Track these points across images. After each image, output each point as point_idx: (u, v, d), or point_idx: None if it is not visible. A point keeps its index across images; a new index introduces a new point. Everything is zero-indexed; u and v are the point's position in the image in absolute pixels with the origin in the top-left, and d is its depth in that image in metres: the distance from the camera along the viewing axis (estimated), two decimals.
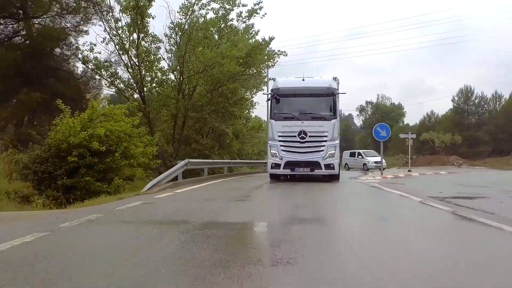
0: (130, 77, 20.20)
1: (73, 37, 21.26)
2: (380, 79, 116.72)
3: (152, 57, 20.39)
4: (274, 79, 14.13)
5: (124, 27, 19.40)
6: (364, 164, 30.64)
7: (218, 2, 20.54)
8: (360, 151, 34.33)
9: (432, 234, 4.69)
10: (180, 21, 20.46)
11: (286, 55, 23.88)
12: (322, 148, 12.44)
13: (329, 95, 12.82)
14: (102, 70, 20.06)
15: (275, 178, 13.35)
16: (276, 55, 23.43)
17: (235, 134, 25.54)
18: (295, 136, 12.42)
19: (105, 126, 12.08)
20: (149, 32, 19.62)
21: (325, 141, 12.48)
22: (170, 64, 22.07)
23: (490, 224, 4.78)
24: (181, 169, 12.55)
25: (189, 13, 20.15)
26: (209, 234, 4.17)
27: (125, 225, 4.88)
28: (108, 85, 21.13)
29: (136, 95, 20.84)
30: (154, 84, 21.20)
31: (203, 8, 20.34)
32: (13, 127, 20.97)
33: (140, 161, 12.95)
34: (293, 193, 9.55)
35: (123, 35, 19.52)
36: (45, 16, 20.74)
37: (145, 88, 20.39)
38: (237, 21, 21.76)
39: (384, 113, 71.84)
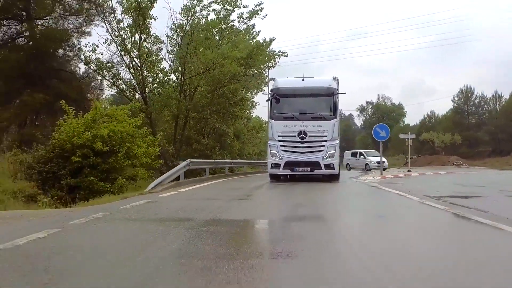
0: (132, 78, 20.44)
1: (76, 38, 21.52)
2: (380, 79, 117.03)
3: (154, 58, 20.62)
4: (274, 79, 14.17)
5: (126, 28, 19.62)
6: (366, 164, 30.65)
7: (219, 3, 20.78)
8: (362, 151, 34.31)
9: (427, 231, 4.88)
10: (181, 22, 20.72)
11: (287, 56, 24.07)
12: (322, 148, 12.50)
13: (329, 95, 12.87)
14: (104, 71, 20.29)
15: (275, 178, 13.40)
16: (276, 56, 23.65)
17: (236, 135, 25.73)
18: (295, 136, 12.49)
19: (108, 127, 12.23)
20: (151, 33, 19.86)
21: (325, 141, 12.54)
22: (172, 64, 22.36)
23: (485, 223, 4.93)
24: (183, 169, 12.74)
25: (190, 14, 20.38)
26: (212, 230, 4.36)
27: (132, 222, 5.08)
28: (110, 85, 21.35)
29: (137, 96, 21.09)
30: (155, 85, 21.39)
31: (205, 9, 20.62)
32: (16, 128, 21.19)
33: (143, 161, 13.10)
34: (293, 193, 9.73)
35: (125, 36, 19.76)
36: (48, 18, 20.96)
37: (146, 89, 20.62)
38: (238, 22, 22.03)
39: (385, 113, 72.04)
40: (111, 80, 20.65)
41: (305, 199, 8.22)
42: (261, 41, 22.72)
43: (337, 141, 13.00)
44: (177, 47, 21.68)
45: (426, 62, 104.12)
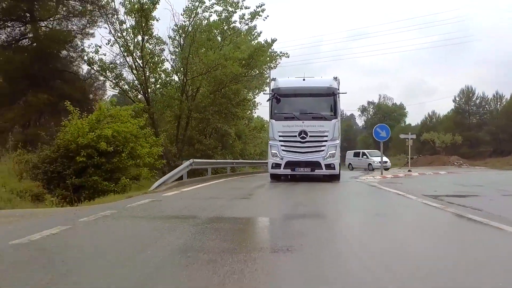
0: (135, 79, 20.70)
1: (79, 39, 21.78)
2: (382, 79, 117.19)
3: (156, 59, 20.85)
4: (274, 79, 14.16)
5: (129, 29, 19.87)
6: (369, 164, 30.44)
7: (221, 4, 20.99)
8: (365, 151, 34.08)
9: (424, 230, 5.07)
10: (183, 23, 20.94)
11: (288, 57, 24.30)
12: (322, 148, 12.52)
13: (330, 95, 12.86)
14: (107, 71, 20.53)
15: (275, 178, 13.40)
16: (278, 57, 23.86)
17: (238, 135, 25.92)
18: (296, 136, 12.51)
19: (112, 127, 12.42)
20: (153, 34, 20.12)
21: (326, 141, 12.55)
22: (174, 65, 22.60)
23: (480, 221, 5.09)
24: (186, 169, 12.91)
25: (192, 16, 20.60)
26: (216, 227, 4.56)
27: (139, 219, 5.28)
28: (113, 86, 21.58)
29: (140, 96, 21.31)
30: (158, 85, 21.62)
31: (207, 11, 20.86)
32: (19, 128, 21.42)
33: (146, 161, 13.28)
34: (294, 192, 9.89)
35: (128, 37, 20.00)
36: (51, 19, 21.23)
37: (149, 89, 20.84)
38: (240, 23, 22.22)
39: (386, 113, 72.21)
40: (114, 81, 20.92)
41: (306, 199, 8.39)
42: (262, 42, 22.97)
43: (338, 141, 13.02)
44: (179, 48, 21.91)
45: (428, 62, 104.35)
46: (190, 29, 20.75)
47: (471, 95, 55.66)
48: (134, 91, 21.44)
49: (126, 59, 20.31)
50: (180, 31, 21.20)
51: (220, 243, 3.71)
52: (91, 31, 21.75)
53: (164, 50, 21.29)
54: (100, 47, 19.72)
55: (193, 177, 14.67)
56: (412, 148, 28.62)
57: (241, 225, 4.95)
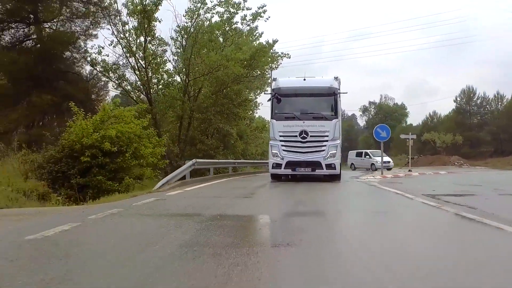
0: (137, 79, 20.92)
1: (82, 40, 22.07)
2: (383, 79, 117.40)
3: (159, 60, 21.08)
4: (275, 79, 14.17)
5: (132, 31, 20.11)
6: (372, 164, 30.21)
7: (223, 6, 21.20)
8: (368, 151, 33.96)
9: (423, 229, 5.22)
10: (186, 24, 21.20)
11: (290, 57, 24.52)
12: (323, 148, 12.55)
13: (330, 94, 12.88)
14: (110, 72, 20.77)
15: (276, 178, 13.40)
16: (279, 57, 24.07)
17: (239, 135, 26.14)
18: (296, 136, 12.55)
19: (116, 128, 12.60)
20: (156, 35, 20.33)
21: (326, 141, 12.59)
22: (176, 66, 22.83)
23: (479, 220, 5.23)
24: (189, 169, 13.10)
25: (194, 17, 20.85)
26: (220, 224, 4.77)
27: (145, 217, 5.49)
28: (115, 87, 21.84)
29: (142, 97, 21.53)
30: (160, 86, 21.86)
31: (208, 12, 21.10)
32: (23, 129, 21.67)
33: (149, 161, 13.47)
34: (295, 192, 10.02)
35: (131, 38, 20.27)
36: (55, 21, 21.52)
37: (151, 90, 21.07)
38: (242, 24, 22.45)
39: (387, 113, 72.34)
40: (116, 82, 21.18)
41: (306, 198, 8.56)
42: (264, 43, 23.19)
43: (339, 141, 13.05)
44: (181, 49, 22.13)
45: (429, 62, 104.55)
46: (192, 30, 20.99)
47: (472, 95, 55.78)
48: (136, 91, 21.69)
49: (128, 60, 20.62)
50: (182, 32, 21.44)
51: (224, 238, 3.91)
52: (94, 32, 22.10)
53: (166, 51, 21.58)
54: (103, 48, 20.00)
55: (195, 177, 14.86)
56: (412, 148, 28.79)
57: (244, 222, 5.16)
